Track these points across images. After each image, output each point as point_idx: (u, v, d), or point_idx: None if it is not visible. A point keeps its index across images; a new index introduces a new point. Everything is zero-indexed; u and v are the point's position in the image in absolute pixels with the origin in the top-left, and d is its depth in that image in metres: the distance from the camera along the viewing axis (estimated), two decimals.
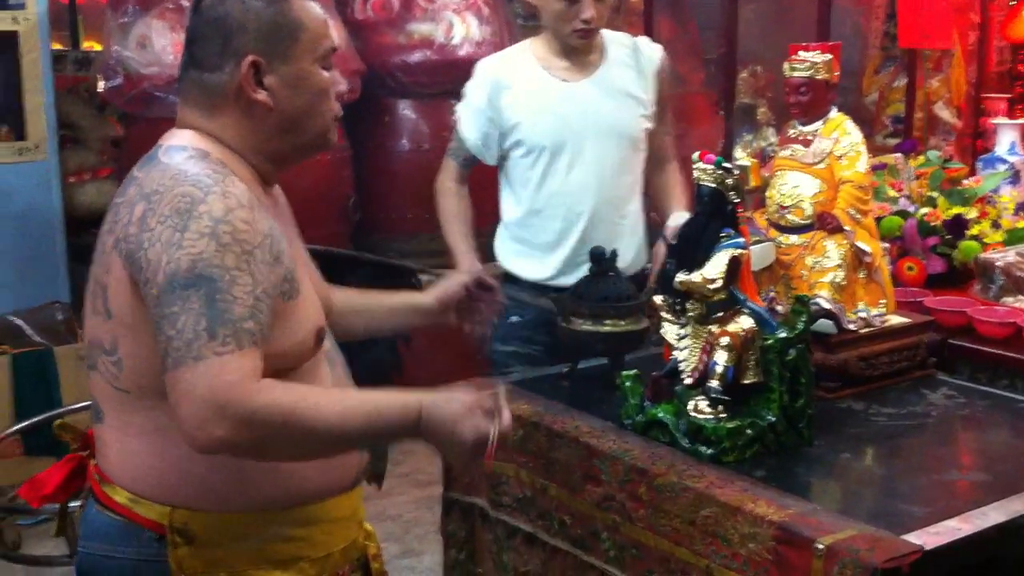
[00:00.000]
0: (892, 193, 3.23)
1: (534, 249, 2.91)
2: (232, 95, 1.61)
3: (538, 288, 2.84)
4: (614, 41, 2.92)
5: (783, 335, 2.04)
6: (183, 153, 1.58)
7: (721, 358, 2.01)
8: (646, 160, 2.94)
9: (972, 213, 3.06)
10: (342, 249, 2.33)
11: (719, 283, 2.03)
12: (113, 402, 1.60)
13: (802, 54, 2.49)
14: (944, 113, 4.48)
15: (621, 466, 2.06)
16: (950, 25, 3.71)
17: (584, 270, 2.52)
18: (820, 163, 2.47)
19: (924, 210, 3.07)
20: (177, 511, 1.58)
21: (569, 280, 2.68)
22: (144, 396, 1.55)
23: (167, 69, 4.02)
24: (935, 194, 3.14)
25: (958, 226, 3.01)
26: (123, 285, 1.54)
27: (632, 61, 2.92)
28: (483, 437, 1.52)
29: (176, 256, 1.46)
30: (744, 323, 2.03)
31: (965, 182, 3.27)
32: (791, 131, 2.54)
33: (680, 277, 2.05)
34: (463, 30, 4.53)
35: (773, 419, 2.04)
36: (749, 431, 2.03)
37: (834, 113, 2.50)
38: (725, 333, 2.01)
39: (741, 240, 2.07)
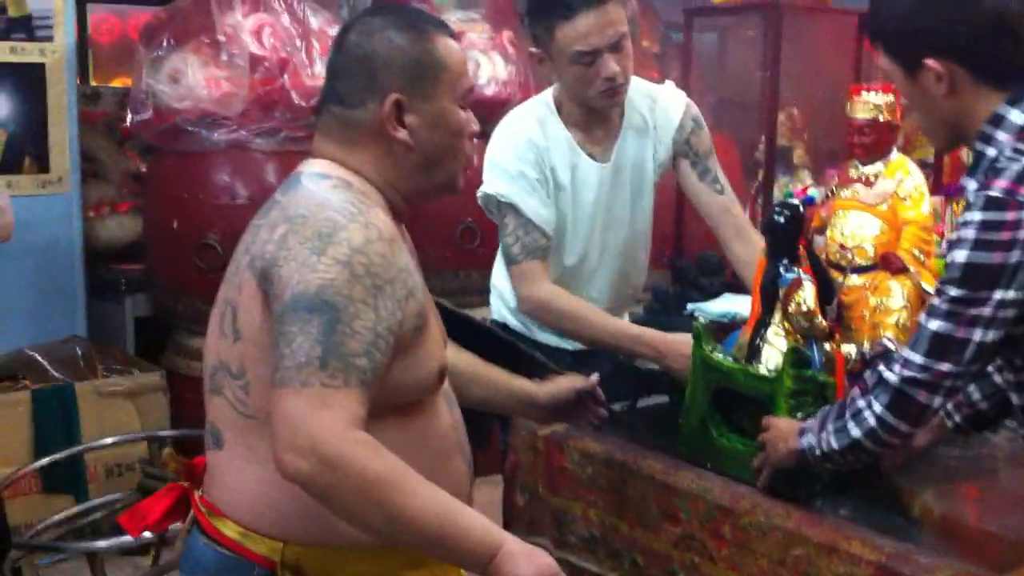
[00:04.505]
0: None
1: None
2: (373, 132, 1.61)
3: (547, 349, 2.60)
4: (634, 98, 2.58)
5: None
6: (327, 181, 1.59)
7: None
8: (720, 234, 2.66)
9: None
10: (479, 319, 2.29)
11: None
12: (237, 428, 1.58)
13: (865, 95, 2.53)
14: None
15: (703, 504, 2.06)
16: None
17: None
18: (882, 204, 2.49)
19: None
20: (290, 546, 1.55)
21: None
22: (270, 422, 1.51)
23: (200, 103, 4.02)
24: None
25: None
26: (255, 303, 1.53)
27: (648, 118, 2.61)
28: None
29: (307, 278, 1.45)
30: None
31: None
32: (852, 172, 2.57)
33: None
34: (489, 69, 4.55)
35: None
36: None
37: (895, 154, 2.53)
38: None
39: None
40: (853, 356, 2.38)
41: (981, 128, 1.66)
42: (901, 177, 2.50)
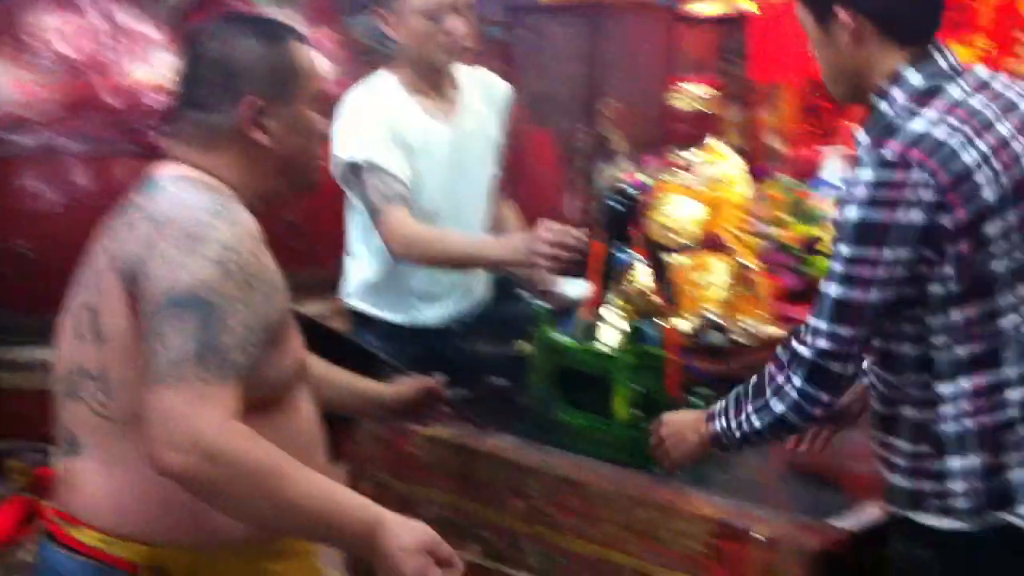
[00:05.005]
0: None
1: (400, 295, 2.77)
2: (232, 135, 1.62)
3: (398, 330, 2.76)
4: (464, 74, 2.80)
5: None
6: (187, 183, 1.59)
7: None
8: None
9: (820, 232, 3.30)
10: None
11: None
12: (97, 432, 1.55)
13: (686, 87, 2.66)
14: (775, 142, 4.81)
15: (549, 479, 2.13)
16: (804, 60, 3.97)
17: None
18: (703, 187, 2.63)
19: (776, 230, 3.28)
20: (156, 550, 1.53)
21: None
22: (134, 423, 1.50)
23: (5, 107, 3.85)
24: (785, 215, 3.36)
25: (811, 244, 3.24)
26: (120, 305, 1.51)
27: (482, 95, 2.83)
28: None
29: (179, 276, 1.45)
30: None
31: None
32: (674, 157, 2.69)
33: None
34: None
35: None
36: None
37: (712, 141, 2.67)
38: None
39: None
40: (685, 331, 2.50)
41: (880, 84, 1.71)
42: (720, 161, 2.63)
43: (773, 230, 3.26)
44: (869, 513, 1.90)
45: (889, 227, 1.61)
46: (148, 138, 4.05)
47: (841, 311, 1.67)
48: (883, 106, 1.70)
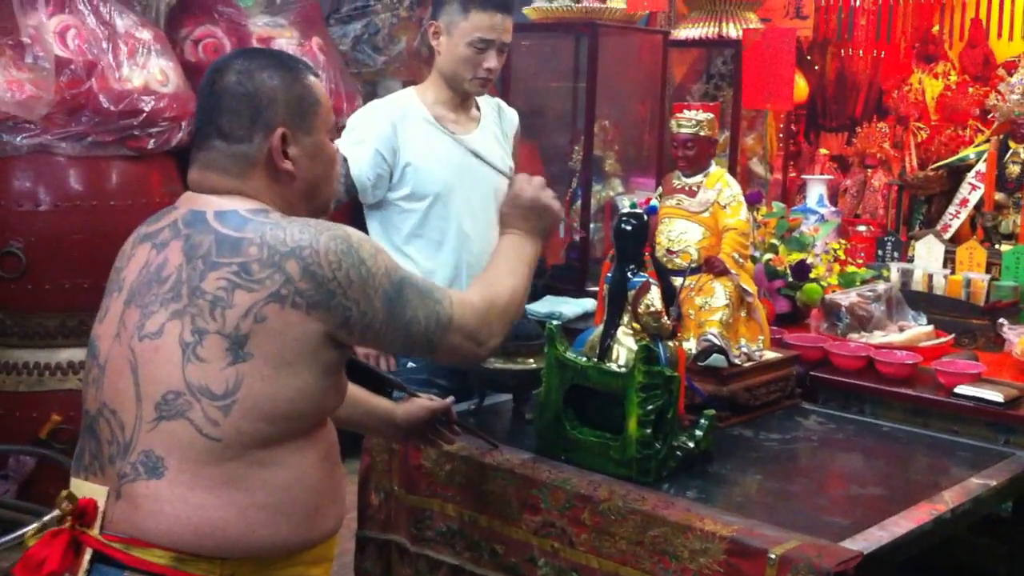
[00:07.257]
0: None
1: None
2: (259, 164, 1.73)
3: None
4: (484, 103, 3.08)
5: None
6: (274, 214, 1.71)
7: None
8: None
9: (811, 258, 3.41)
10: None
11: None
12: (188, 453, 1.60)
13: (687, 112, 2.73)
14: (759, 168, 4.92)
15: (562, 494, 2.19)
16: (791, 87, 4.11)
17: None
18: (704, 212, 2.71)
19: (768, 256, 3.38)
20: (227, 563, 1.62)
21: None
22: (232, 445, 1.60)
23: (1, 106, 3.84)
24: (776, 241, 3.46)
25: (802, 270, 3.35)
26: (296, 330, 1.63)
27: (497, 120, 3.10)
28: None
29: (376, 284, 1.70)
30: None
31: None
32: (675, 182, 2.76)
33: None
34: None
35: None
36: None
37: (714, 167, 2.75)
38: None
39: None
40: (692, 352, 2.58)
41: None
42: (720, 187, 2.70)
43: (766, 256, 3.35)
44: (879, 535, 1.99)
45: None
46: (139, 141, 4.08)
47: None
48: None
